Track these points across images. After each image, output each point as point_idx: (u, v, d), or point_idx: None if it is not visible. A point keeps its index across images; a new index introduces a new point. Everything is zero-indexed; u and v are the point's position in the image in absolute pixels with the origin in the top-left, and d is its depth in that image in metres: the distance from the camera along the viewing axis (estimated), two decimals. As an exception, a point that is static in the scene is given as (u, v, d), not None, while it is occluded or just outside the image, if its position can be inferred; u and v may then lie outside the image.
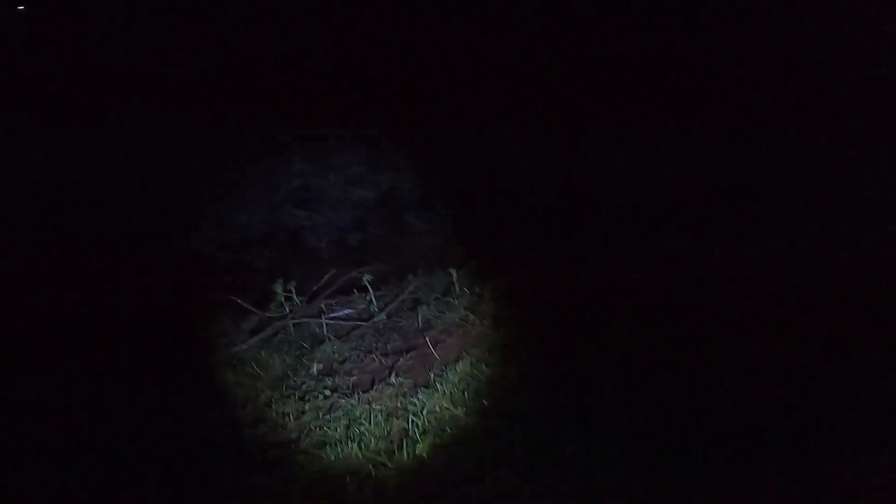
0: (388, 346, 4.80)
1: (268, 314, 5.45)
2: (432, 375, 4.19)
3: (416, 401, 4.04)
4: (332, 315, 5.42)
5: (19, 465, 4.02)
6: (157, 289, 6.20)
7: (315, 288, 5.62)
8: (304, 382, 4.59)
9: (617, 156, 6.96)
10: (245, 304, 5.52)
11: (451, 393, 4.04)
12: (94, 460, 4.07)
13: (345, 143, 6.83)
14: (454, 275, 5.36)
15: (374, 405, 4.08)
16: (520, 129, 7.69)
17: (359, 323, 5.27)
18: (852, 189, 6.15)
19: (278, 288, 5.39)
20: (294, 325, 5.32)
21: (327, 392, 4.31)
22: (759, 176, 6.42)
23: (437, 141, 7.31)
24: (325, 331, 5.22)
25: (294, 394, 4.43)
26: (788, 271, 5.20)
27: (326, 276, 5.65)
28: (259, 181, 6.59)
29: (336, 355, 4.88)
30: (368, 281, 5.45)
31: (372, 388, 4.26)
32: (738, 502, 3.47)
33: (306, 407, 4.21)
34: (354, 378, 4.49)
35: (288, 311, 5.41)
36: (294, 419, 4.15)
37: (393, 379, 4.30)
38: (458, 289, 5.27)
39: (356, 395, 4.20)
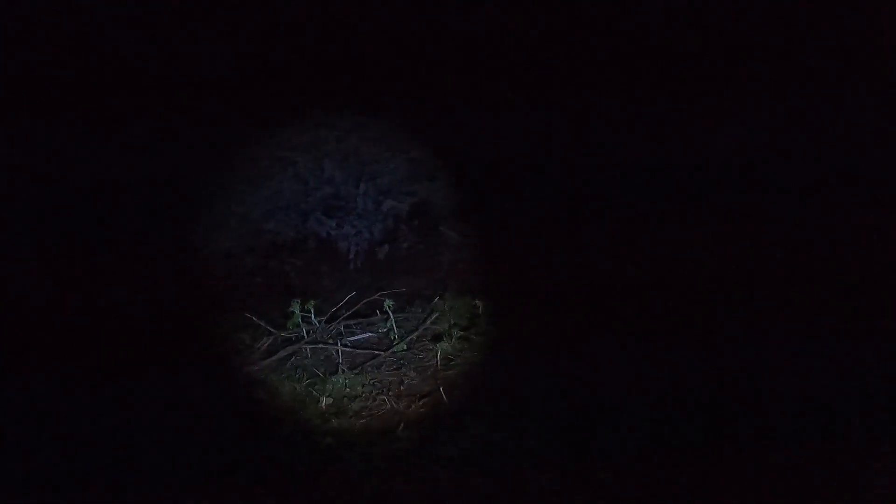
0: (402, 387, 4.46)
1: (283, 334, 5.16)
2: (442, 437, 3.83)
3: (420, 462, 3.68)
4: (350, 339, 5.10)
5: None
6: (176, 296, 5.98)
7: (335, 309, 5.29)
8: (309, 419, 4.28)
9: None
10: (261, 323, 5.23)
11: (456, 459, 3.67)
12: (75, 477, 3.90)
13: (379, 150, 6.44)
14: (480, 307, 4.97)
15: (374, 462, 3.74)
16: (565, 140, 7.22)
17: (377, 352, 4.94)
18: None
19: (296, 307, 5.09)
20: (310, 349, 5.02)
21: (329, 440, 3.98)
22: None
23: (475, 150, 6.88)
24: (340, 358, 4.90)
25: (296, 433, 4.12)
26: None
27: (347, 298, 5.32)
28: (289, 186, 6.26)
29: (348, 390, 4.56)
30: (390, 307, 5.11)
31: (377, 442, 3.92)
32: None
33: (302, 452, 3.89)
34: (363, 422, 4.16)
35: (305, 332, 5.11)
36: (286, 465, 3.84)
37: (400, 432, 3.95)
38: (483, 324, 4.88)
39: (358, 449, 3.87)
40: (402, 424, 4.05)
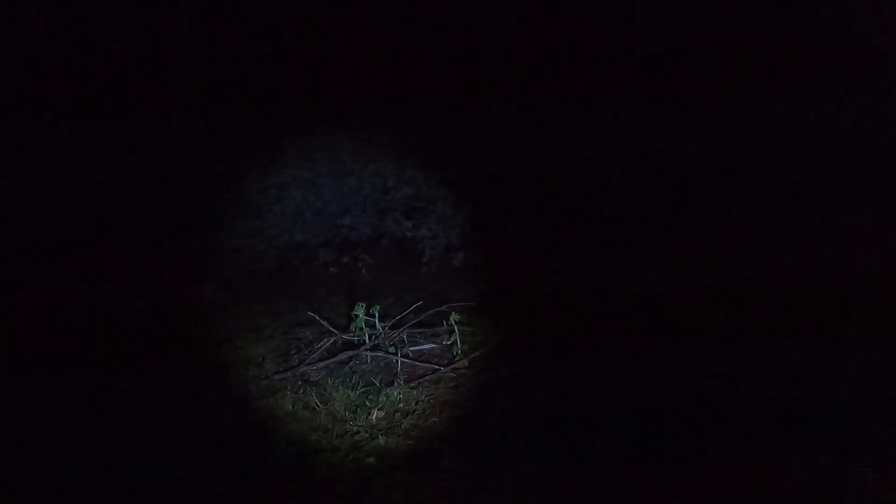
0: (457, 411, 4.20)
1: (345, 336, 4.99)
2: (489, 472, 3.54)
3: (464, 497, 3.41)
4: (412, 349, 4.89)
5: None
6: (242, 285, 5.92)
7: (400, 315, 5.08)
8: (358, 432, 4.08)
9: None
10: (324, 322, 5.08)
11: (504, 491, 3.38)
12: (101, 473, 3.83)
13: (464, 154, 6.17)
14: (550, 328, 4.66)
15: (414, 492, 3.49)
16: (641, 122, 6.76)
17: (437, 367, 4.70)
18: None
19: (360, 311, 4.90)
20: (370, 355, 4.83)
21: (372, 460, 3.76)
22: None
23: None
24: (398, 369, 4.69)
25: (342, 446, 3.92)
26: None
27: (414, 306, 5.09)
28: (370, 183, 6.07)
29: (402, 405, 4.34)
30: (456, 320, 4.85)
31: (421, 469, 3.67)
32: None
33: (343, 472, 3.69)
34: (410, 443, 3.92)
35: (367, 337, 4.92)
36: (328, 483, 3.64)
37: (446, 462, 3.69)
38: (550, 346, 4.56)
39: (401, 475, 3.63)
40: (448, 456, 3.77)
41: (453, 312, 4.87)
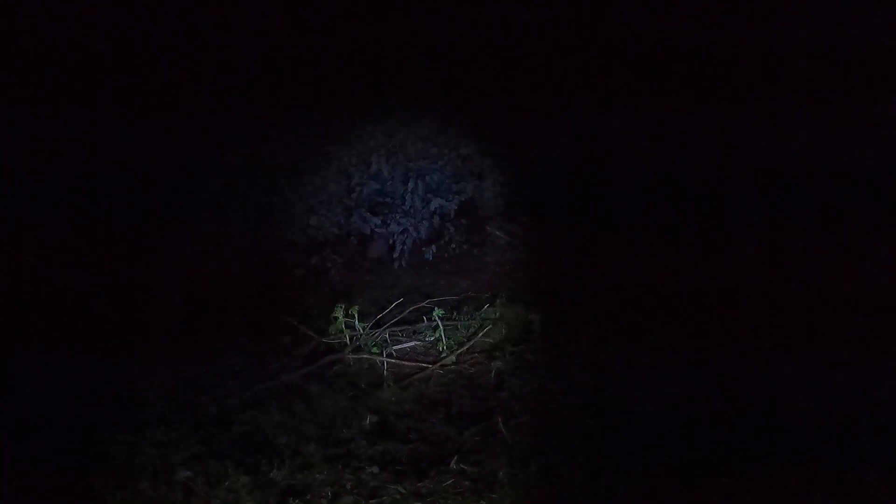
0: (454, 409, 3.94)
1: (325, 340, 4.68)
2: (501, 474, 3.29)
3: (476, 508, 3.16)
4: (395, 348, 4.61)
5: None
6: (211, 292, 5.54)
7: (380, 315, 4.79)
8: (353, 439, 3.78)
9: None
10: (302, 327, 4.76)
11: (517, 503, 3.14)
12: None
13: (426, 147, 5.89)
14: (536, 321, 4.44)
15: (426, 501, 3.22)
16: (616, 136, 6.65)
17: (424, 365, 4.43)
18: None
19: (339, 312, 4.59)
20: (353, 358, 4.54)
21: (375, 469, 3.47)
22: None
23: (523, 147, 6.33)
24: (385, 370, 4.41)
25: (339, 456, 3.62)
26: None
27: (393, 305, 4.81)
28: (334, 182, 5.74)
29: (394, 406, 4.05)
30: (439, 316, 4.59)
31: (428, 475, 3.40)
32: None
33: (348, 485, 3.39)
34: (410, 448, 3.65)
35: (348, 339, 4.62)
36: (332, 497, 3.34)
37: (454, 465, 3.43)
38: (538, 339, 4.34)
39: (408, 483, 3.36)
40: (455, 456, 3.52)
41: (436, 308, 4.61)
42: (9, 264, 5.13)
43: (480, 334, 4.57)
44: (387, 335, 4.66)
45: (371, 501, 3.27)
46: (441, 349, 4.48)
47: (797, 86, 6.29)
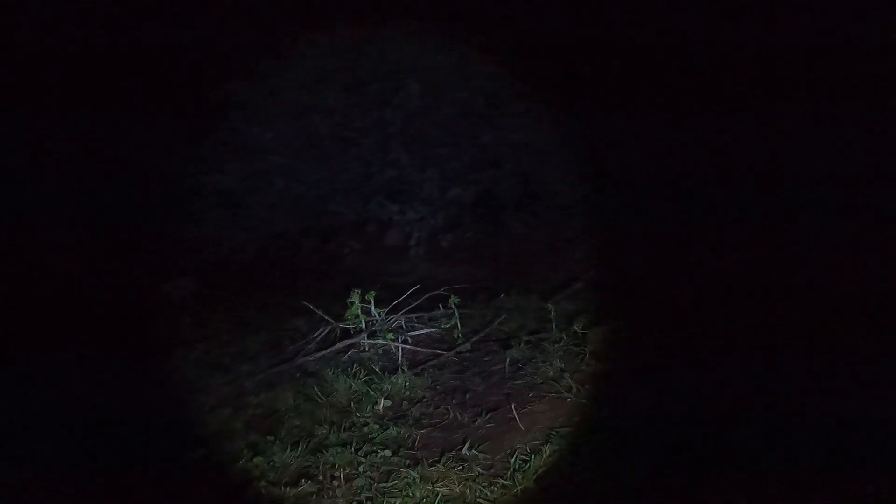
0: (468, 396, 3.90)
1: (341, 325, 4.66)
2: (512, 461, 3.25)
3: (487, 493, 3.12)
4: (410, 334, 4.58)
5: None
6: (227, 275, 5.54)
7: (396, 301, 4.76)
8: (366, 423, 3.76)
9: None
10: (318, 311, 4.74)
11: (528, 490, 3.09)
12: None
13: (445, 135, 5.84)
14: (552, 311, 4.39)
15: (437, 486, 3.19)
16: (641, 120, 6.53)
17: (439, 351, 4.40)
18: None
19: (356, 297, 4.57)
20: (369, 343, 4.52)
21: (388, 453, 3.45)
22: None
23: (544, 136, 6.25)
24: (400, 356, 4.38)
25: (353, 440, 3.60)
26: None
27: (409, 291, 4.78)
28: (353, 168, 5.71)
29: (408, 392, 4.03)
30: (455, 303, 4.56)
31: (440, 460, 3.37)
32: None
33: (360, 467, 3.37)
34: (423, 433, 3.62)
35: (364, 324, 4.60)
36: (344, 480, 3.32)
37: (465, 451, 3.40)
38: (554, 329, 4.30)
39: (419, 467, 3.33)
40: (467, 441, 3.49)
41: (452, 296, 4.57)
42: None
43: (496, 322, 4.52)
44: (402, 321, 4.63)
45: (383, 484, 3.22)
46: (456, 336, 4.45)
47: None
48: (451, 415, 3.72)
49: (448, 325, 4.59)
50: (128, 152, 5.71)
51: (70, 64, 5.53)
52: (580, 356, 3.99)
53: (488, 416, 3.65)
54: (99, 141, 5.52)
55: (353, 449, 3.51)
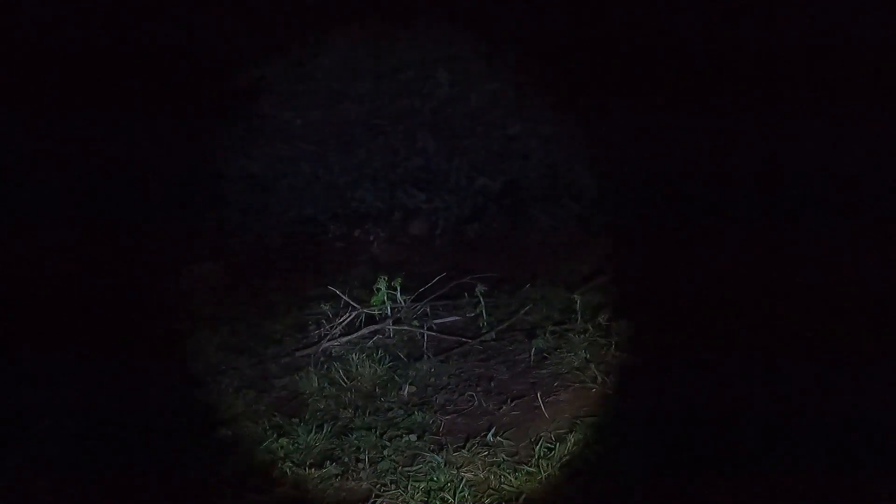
0: (493, 384, 3.90)
1: (367, 310, 4.67)
2: (537, 448, 3.25)
3: (511, 479, 3.12)
4: (436, 322, 4.58)
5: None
6: (254, 259, 5.57)
7: (423, 288, 4.77)
8: (391, 408, 3.77)
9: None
10: (344, 297, 4.75)
11: (553, 478, 3.09)
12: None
13: (474, 125, 5.82)
14: (577, 302, 4.37)
15: (462, 471, 3.20)
16: (670, 114, 6.45)
17: (464, 339, 4.40)
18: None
19: (382, 283, 4.57)
20: (394, 329, 4.52)
21: (413, 438, 3.46)
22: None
23: (572, 129, 6.21)
24: (425, 343, 4.38)
25: (377, 424, 3.61)
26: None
27: (436, 279, 4.78)
28: (381, 156, 5.72)
29: (433, 378, 4.03)
30: (481, 292, 4.55)
31: (465, 446, 3.37)
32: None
33: (385, 451, 3.38)
34: (448, 419, 3.63)
35: (389, 310, 4.61)
36: (368, 463, 3.34)
37: (490, 437, 3.40)
38: (579, 319, 4.28)
39: (444, 452, 3.33)
40: (492, 427, 3.49)
41: (479, 284, 4.57)
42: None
43: (521, 312, 4.51)
44: (428, 309, 4.64)
45: (408, 468, 3.24)
46: (481, 325, 4.45)
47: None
48: (476, 402, 3.72)
49: (473, 314, 4.58)
50: (157, 135, 5.76)
51: (100, 49, 5.60)
52: (605, 347, 3.96)
53: (513, 403, 3.64)
54: (129, 124, 5.58)
55: (377, 433, 3.53)
